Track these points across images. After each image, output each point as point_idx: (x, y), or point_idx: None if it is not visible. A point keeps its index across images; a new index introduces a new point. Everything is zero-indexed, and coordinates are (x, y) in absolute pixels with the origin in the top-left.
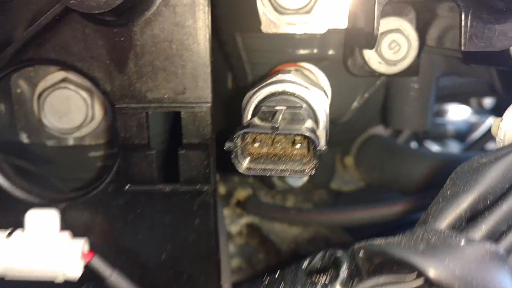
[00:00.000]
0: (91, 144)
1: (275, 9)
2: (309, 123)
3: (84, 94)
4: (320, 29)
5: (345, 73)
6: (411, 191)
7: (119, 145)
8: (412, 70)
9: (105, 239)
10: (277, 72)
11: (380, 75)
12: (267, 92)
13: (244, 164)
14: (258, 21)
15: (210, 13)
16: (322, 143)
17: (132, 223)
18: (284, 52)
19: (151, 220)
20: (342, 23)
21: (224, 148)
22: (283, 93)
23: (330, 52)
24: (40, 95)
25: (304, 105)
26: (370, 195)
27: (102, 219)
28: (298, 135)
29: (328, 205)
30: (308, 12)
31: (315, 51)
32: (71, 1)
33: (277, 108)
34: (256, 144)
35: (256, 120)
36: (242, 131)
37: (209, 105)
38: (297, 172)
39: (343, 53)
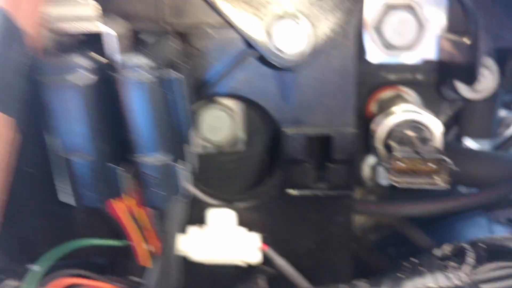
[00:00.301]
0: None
1: (384, 45)
2: (436, 144)
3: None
4: (418, 60)
5: (434, 95)
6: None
7: (283, 159)
8: (492, 97)
9: (267, 233)
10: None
11: (467, 100)
12: (398, 119)
13: (395, 179)
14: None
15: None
16: (448, 161)
17: (290, 220)
18: (379, 76)
19: (305, 217)
20: (441, 56)
21: (381, 166)
22: (410, 121)
23: (420, 77)
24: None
25: (425, 129)
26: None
27: (266, 217)
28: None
29: (388, 198)
30: (411, 48)
31: (407, 76)
32: (272, 58)
33: (407, 132)
34: (399, 162)
35: (393, 143)
36: (397, 154)
37: (353, 129)
38: (432, 184)
39: (434, 80)
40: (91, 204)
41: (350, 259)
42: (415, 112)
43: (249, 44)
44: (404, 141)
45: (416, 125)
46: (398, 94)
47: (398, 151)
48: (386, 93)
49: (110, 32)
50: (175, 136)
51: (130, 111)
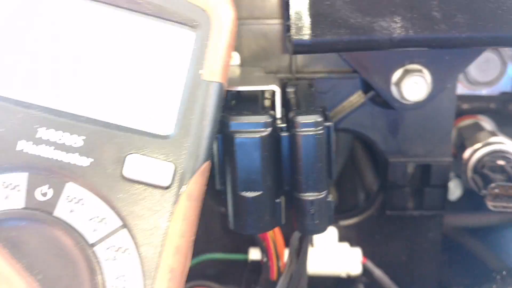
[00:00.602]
0: None
1: (468, 81)
2: None
3: None
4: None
5: (507, 122)
6: None
7: (385, 184)
8: None
9: (366, 247)
10: (466, 126)
11: None
12: (488, 150)
13: (492, 204)
14: None
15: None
16: None
17: (386, 236)
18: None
19: (400, 234)
20: None
21: (480, 193)
22: (499, 151)
23: (493, 106)
24: None
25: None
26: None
27: (365, 234)
28: None
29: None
30: (492, 84)
31: (482, 105)
32: (395, 104)
33: (498, 162)
34: (495, 189)
35: (488, 172)
36: (500, 184)
37: (450, 158)
38: None
39: (509, 109)
40: (255, 232)
41: (439, 270)
42: (502, 143)
43: (366, 88)
44: (496, 169)
45: (504, 154)
46: (476, 122)
47: (494, 179)
48: (465, 122)
49: (275, 89)
50: (329, 172)
51: (300, 159)
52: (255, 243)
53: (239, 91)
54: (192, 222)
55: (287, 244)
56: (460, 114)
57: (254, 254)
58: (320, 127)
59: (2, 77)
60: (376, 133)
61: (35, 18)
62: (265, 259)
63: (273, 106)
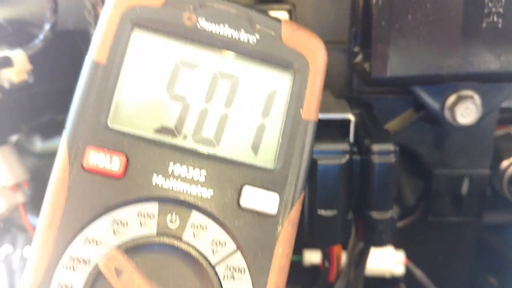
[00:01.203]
0: None
1: None
2: None
3: None
4: None
5: None
6: None
7: (429, 193)
8: None
9: (408, 250)
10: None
11: None
12: None
13: None
14: None
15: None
16: None
17: (427, 240)
18: None
19: (439, 238)
20: None
21: None
22: None
23: None
24: None
25: None
26: None
27: (409, 238)
28: None
29: None
30: None
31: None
32: (447, 126)
33: None
34: None
35: None
36: None
37: (489, 171)
38: None
39: None
40: (329, 245)
41: (473, 271)
42: None
43: (418, 107)
44: None
45: None
46: (509, 133)
47: None
48: (499, 132)
49: (350, 117)
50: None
51: (373, 183)
52: (308, 245)
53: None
54: (292, 244)
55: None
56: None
57: (309, 256)
58: (393, 155)
59: (137, 119)
60: (423, 147)
61: (162, 65)
62: (326, 265)
63: (346, 131)
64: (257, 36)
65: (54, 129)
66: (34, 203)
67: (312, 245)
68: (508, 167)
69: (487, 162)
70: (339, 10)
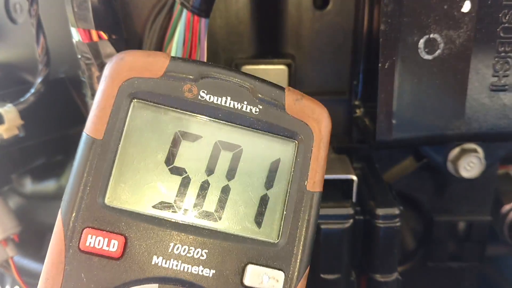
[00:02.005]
0: None
1: None
2: None
3: None
4: None
5: None
6: None
7: (430, 239)
8: None
9: None
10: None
11: None
12: None
13: None
14: None
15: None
16: None
17: (426, 284)
18: None
19: (439, 283)
20: None
21: None
22: None
23: None
24: None
25: None
26: None
27: (408, 282)
28: None
29: None
30: None
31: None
32: (449, 177)
33: None
34: None
35: None
36: None
37: (490, 217)
38: None
39: None
40: None
41: None
42: None
43: (418, 156)
44: None
45: None
46: (507, 173)
47: None
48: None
49: (353, 178)
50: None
51: (378, 246)
52: None
53: None
54: None
55: None
56: None
57: None
58: (398, 219)
59: (135, 196)
60: (423, 195)
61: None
62: None
63: (349, 188)
64: (260, 106)
65: (45, 171)
66: (23, 245)
67: None
68: (508, 212)
69: (488, 209)
70: (339, 61)
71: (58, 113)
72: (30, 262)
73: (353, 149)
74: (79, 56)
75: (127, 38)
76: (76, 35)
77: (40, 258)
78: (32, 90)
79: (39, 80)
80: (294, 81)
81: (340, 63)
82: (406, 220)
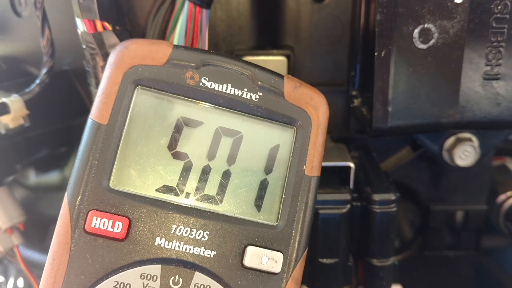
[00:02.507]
0: None
1: None
2: None
3: None
4: None
5: None
6: None
7: (426, 228)
8: None
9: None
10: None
11: None
12: None
13: None
14: None
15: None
16: None
17: (423, 273)
18: None
19: (436, 272)
20: None
21: None
22: None
23: None
24: None
25: None
26: None
27: (406, 272)
28: None
29: None
30: None
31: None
32: (445, 166)
33: None
34: None
35: None
36: None
37: (485, 206)
38: None
39: None
40: None
41: None
42: None
43: (415, 146)
44: None
45: None
46: (503, 164)
47: None
48: (493, 163)
49: (351, 165)
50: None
51: (375, 231)
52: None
53: None
54: None
55: None
56: None
57: None
58: (394, 204)
59: (139, 179)
60: (420, 184)
61: (164, 123)
62: None
63: (346, 175)
64: (260, 93)
65: (48, 163)
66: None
67: None
68: (503, 202)
69: (483, 198)
70: (337, 52)
71: (62, 104)
72: (34, 253)
73: (351, 138)
74: (84, 46)
75: (131, 29)
76: (81, 26)
77: (44, 249)
78: (38, 81)
79: (44, 71)
80: (293, 72)
81: (339, 55)
82: (403, 209)
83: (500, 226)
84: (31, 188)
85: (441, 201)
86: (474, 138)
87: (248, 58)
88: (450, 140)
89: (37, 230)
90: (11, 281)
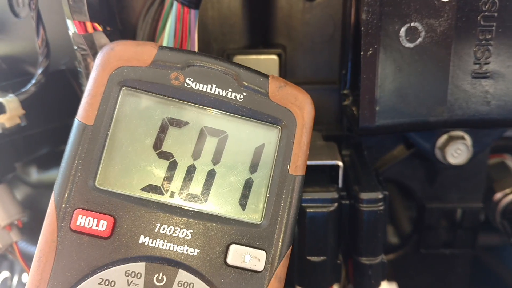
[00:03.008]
0: None
1: None
2: None
3: None
4: None
5: None
6: None
7: (422, 226)
8: None
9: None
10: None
11: None
12: None
13: None
14: None
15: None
16: None
17: (419, 271)
18: None
19: (431, 269)
20: None
21: (510, 240)
22: None
23: None
24: None
25: None
26: None
27: (401, 269)
28: None
29: None
30: None
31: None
32: (438, 164)
33: None
34: None
35: None
36: None
37: (481, 204)
38: None
39: None
40: None
41: None
42: None
43: (409, 144)
44: None
45: None
46: (502, 161)
47: None
48: (492, 160)
49: (339, 164)
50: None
51: (362, 229)
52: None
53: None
54: None
55: None
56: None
57: None
58: (381, 203)
59: (125, 179)
60: (415, 182)
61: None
62: None
63: (336, 174)
64: (244, 93)
65: (50, 160)
66: (30, 232)
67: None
68: (500, 200)
69: (479, 196)
70: (330, 51)
71: (59, 104)
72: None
73: (344, 137)
74: (75, 47)
75: (122, 29)
76: (71, 27)
77: None
78: (33, 81)
79: (39, 71)
80: (285, 71)
81: (331, 53)
82: (403, 203)
83: (496, 224)
84: (33, 185)
85: (436, 199)
86: (467, 136)
87: (240, 57)
88: (443, 138)
89: (38, 226)
90: (16, 277)
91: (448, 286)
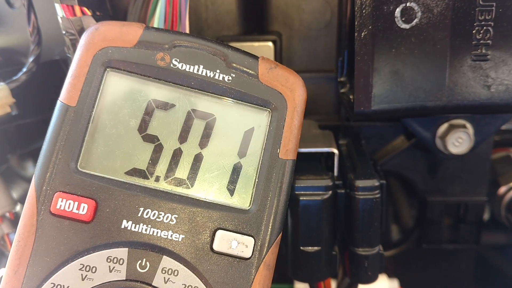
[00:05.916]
0: None
1: None
2: None
3: None
4: None
5: None
6: None
7: (424, 220)
8: None
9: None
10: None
11: None
12: None
13: None
14: None
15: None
16: None
17: (422, 267)
18: None
19: (434, 265)
20: None
21: None
22: None
23: None
24: None
25: None
26: None
27: (403, 265)
28: None
29: None
30: None
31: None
32: (439, 154)
33: None
34: None
35: None
36: None
37: (485, 198)
38: None
39: None
40: (313, 281)
41: None
42: None
43: (409, 134)
44: None
45: None
46: (507, 155)
47: None
48: (497, 154)
49: (335, 151)
50: (381, 226)
51: (357, 219)
52: None
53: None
54: (267, 287)
55: None
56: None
57: (300, 286)
58: (377, 191)
59: (108, 162)
60: (416, 174)
61: (135, 106)
62: None
63: (332, 163)
64: (233, 74)
65: None
66: None
67: (296, 280)
68: (505, 193)
69: (483, 189)
70: (326, 38)
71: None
72: None
73: (342, 126)
74: (64, 32)
75: (113, 15)
76: (60, 11)
77: None
78: (24, 69)
79: (30, 59)
80: (281, 59)
81: (328, 41)
82: (406, 196)
83: (501, 218)
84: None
85: (438, 192)
86: (468, 125)
87: (234, 44)
88: (443, 127)
89: None
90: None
91: (451, 282)
